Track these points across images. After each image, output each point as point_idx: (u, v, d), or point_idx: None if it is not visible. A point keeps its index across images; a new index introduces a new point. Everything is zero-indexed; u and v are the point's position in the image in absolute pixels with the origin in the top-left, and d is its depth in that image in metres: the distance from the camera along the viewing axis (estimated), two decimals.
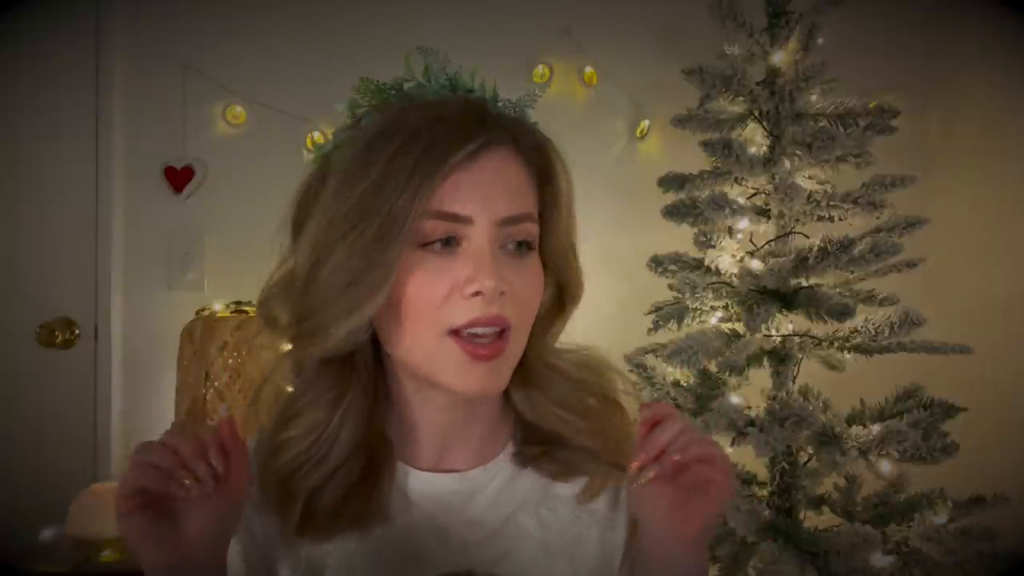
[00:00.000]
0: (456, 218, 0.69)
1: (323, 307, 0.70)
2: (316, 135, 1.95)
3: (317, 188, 0.74)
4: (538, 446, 0.79)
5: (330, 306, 0.70)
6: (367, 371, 0.76)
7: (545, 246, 0.76)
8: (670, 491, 0.67)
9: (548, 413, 0.78)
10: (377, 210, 0.67)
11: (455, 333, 0.69)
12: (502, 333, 0.70)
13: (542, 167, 0.75)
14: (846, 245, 1.47)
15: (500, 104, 0.77)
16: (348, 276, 0.68)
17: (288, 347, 0.77)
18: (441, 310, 0.69)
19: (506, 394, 0.79)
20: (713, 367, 1.60)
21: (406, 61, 0.76)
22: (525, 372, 0.78)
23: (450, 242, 0.70)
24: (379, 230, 0.67)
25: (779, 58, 1.61)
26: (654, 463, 0.66)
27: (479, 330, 0.69)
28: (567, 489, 0.79)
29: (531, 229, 0.73)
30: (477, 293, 0.68)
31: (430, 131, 0.69)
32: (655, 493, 0.67)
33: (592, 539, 0.79)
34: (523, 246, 0.72)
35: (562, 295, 0.79)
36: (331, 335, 0.70)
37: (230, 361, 1.76)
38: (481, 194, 0.70)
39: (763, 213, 1.62)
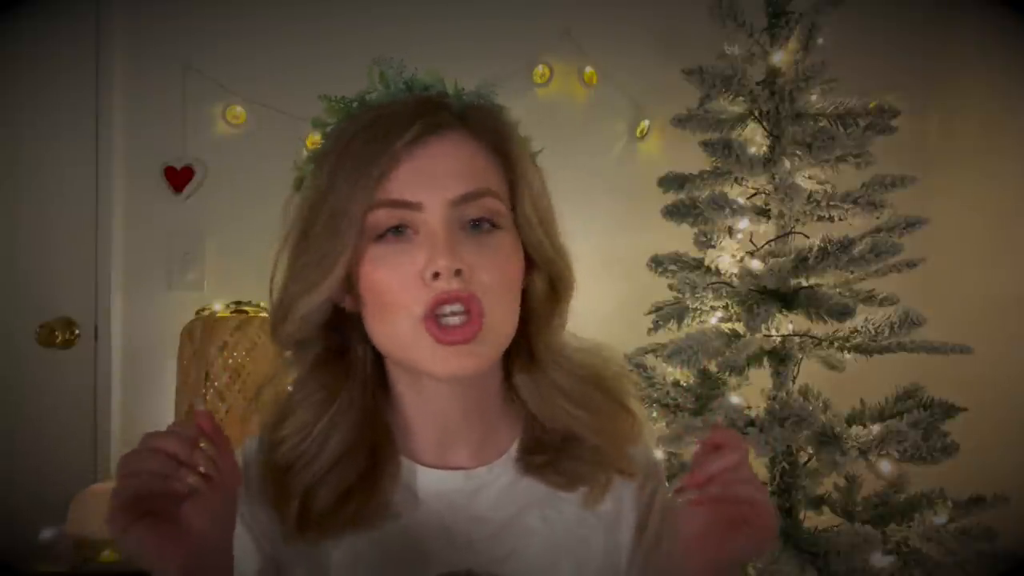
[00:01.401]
0: (403, 204, 0.70)
1: (286, 291, 0.74)
2: (316, 135, 1.94)
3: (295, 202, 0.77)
4: (543, 455, 0.79)
5: (291, 288, 0.73)
6: (364, 370, 0.77)
7: (520, 231, 0.75)
8: (707, 517, 0.67)
9: (557, 406, 0.78)
10: (327, 207, 0.71)
11: (428, 319, 0.69)
12: (471, 313, 0.69)
13: (501, 146, 0.75)
14: (846, 245, 1.47)
15: (464, 97, 0.77)
16: (306, 263, 0.72)
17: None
18: (407, 298, 0.70)
19: (511, 384, 0.79)
20: (713, 367, 1.60)
21: (369, 73, 0.77)
22: (532, 361, 0.78)
23: (402, 230, 0.71)
24: (328, 224, 0.70)
25: (779, 58, 1.61)
26: (697, 487, 0.67)
27: (447, 308, 0.69)
28: (580, 499, 0.79)
29: (490, 204, 0.72)
30: (436, 275, 0.69)
31: (374, 126, 0.71)
32: (692, 513, 0.68)
33: (598, 540, 0.79)
34: (484, 223, 0.72)
35: (554, 284, 0.78)
36: (293, 314, 0.73)
37: (230, 361, 1.76)
38: (428, 178, 0.70)
39: (763, 213, 1.62)
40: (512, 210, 0.75)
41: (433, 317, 0.69)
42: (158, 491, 0.62)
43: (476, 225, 0.71)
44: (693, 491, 0.67)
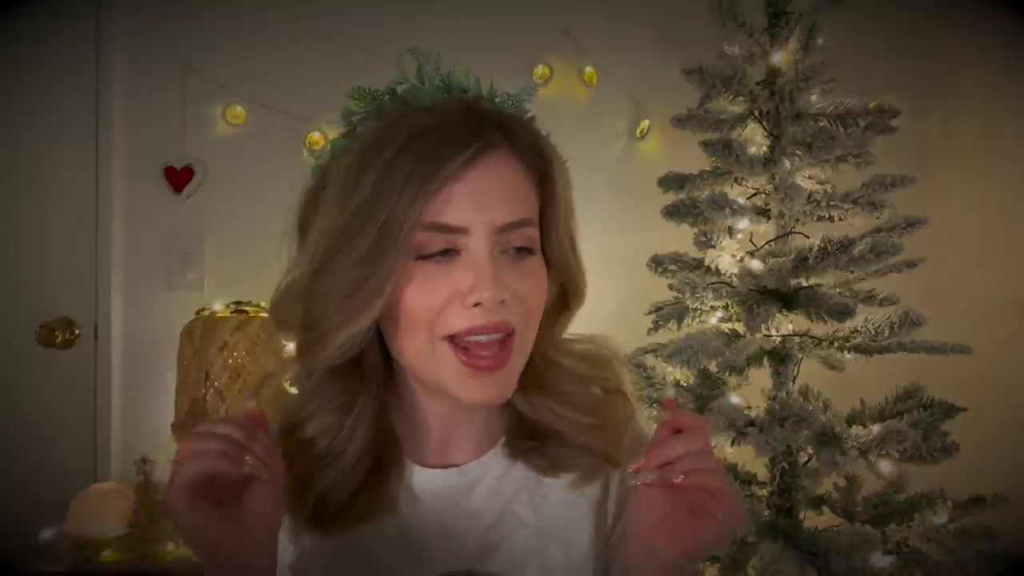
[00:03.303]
0: (452, 229, 0.69)
1: (324, 316, 0.71)
2: (316, 135, 1.95)
3: (317, 198, 0.74)
4: (530, 440, 0.79)
5: (330, 316, 0.71)
6: (376, 375, 0.77)
7: (546, 244, 0.76)
8: (666, 507, 0.66)
9: (545, 410, 0.78)
10: (372, 223, 0.68)
11: (452, 339, 0.70)
12: (506, 340, 0.70)
13: (540, 166, 0.75)
14: (846, 245, 1.47)
15: (497, 100, 0.77)
16: (346, 287, 0.69)
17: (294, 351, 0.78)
18: (440, 318, 0.70)
19: None
20: (713, 367, 1.60)
21: (398, 63, 0.76)
22: (528, 371, 0.77)
23: (448, 252, 0.70)
24: (374, 242, 0.68)
25: (779, 58, 1.61)
26: (655, 471, 0.66)
27: (482, 338, 0.69)
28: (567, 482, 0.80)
29: (530, 233, 0.72)
30: (477, 304, 0.68)
31: (422, 140, 0.68)
32: (651, 502, 0.67)
33: (586, 523, 0.80)
34: (523, 250, 0.72)
35: (566, 294, 0.79)
36: (331, 343, 0.71)
37: (230, 361, 1.76)
38: (476, 203, 0.69)
39: (763, 213, 1.62)
40: (541, 228, 0.75)
41: (463, 341, 0.69)
42: (220, 472, 0.64)
43: (516, 249, 0.72)
44: (648, 474, 0.65)
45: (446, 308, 0.69)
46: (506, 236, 0.70)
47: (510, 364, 0.71)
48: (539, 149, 0.75)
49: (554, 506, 0.79)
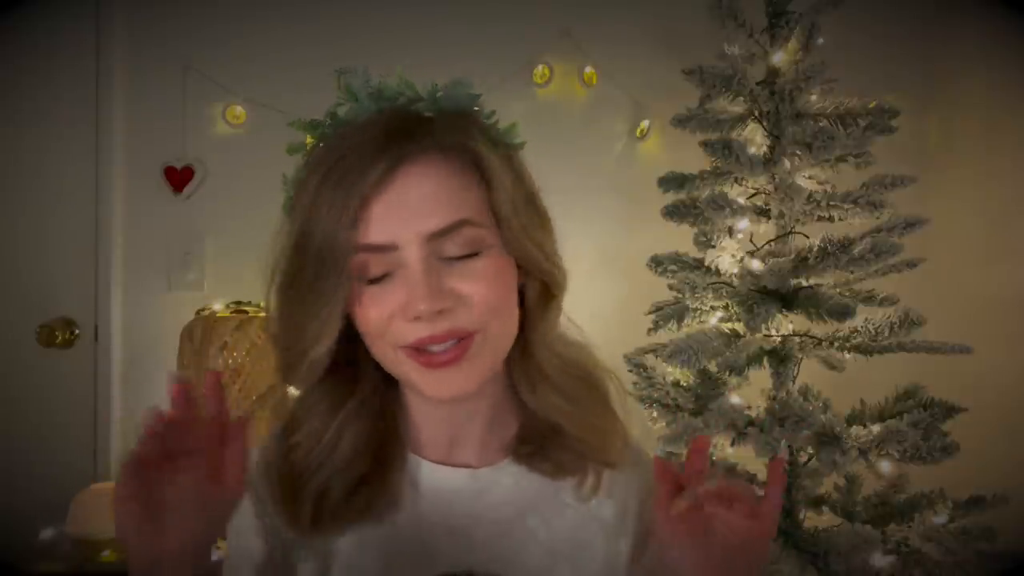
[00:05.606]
0: (380, 248, 0.68)
1: (297, 340, 0.73)
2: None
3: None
4: (533, 444, 0.79)
5: (301, 338, 0.72)
6: (372, 379, 0.77)
7: (503, 239, 0.73)
8: (701, 544, 0.65)
9: (547, 397, 0.78)
10: (312, 250, 0.69)
11: (411, 350, 0.70)
12: (462, 342, 0.70)
13: (475, 162, 0.71)
14: (846, 245, 1.47)
15: (439, 96, 0.74)
16: (305, 311, 0.71)
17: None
18: (389, 331, 0.70)
19: (513, 386, 0.79)
20: (713, 367, 1.60)
21: (336, 84, 0.76)
22: (526, 354, 0.77)
23: (389, 276, 0.70)
24: (315, 269, 0.69)
25: (779, 58, 1.61)
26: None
27: (436, 347, 0.69)
28: (575, 494, 0.80)
29: (470, 235, 0.69)
30: (417, 317, 0.68)
31: (344, 163, 0.68)
32: (686, 543, 0.65)
33: (598, 545, 0.79)
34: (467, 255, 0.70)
35: (548, 286, 0.77)
36: (306, 360, 0.73)
37: (230, 361, 1.76)
38: (399, 216, 0.68)
39: (763, 213, 1.62)
40: (497, 225, 0.72)
41: (416, 349, 0.70)
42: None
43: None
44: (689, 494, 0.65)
45: (392, 323, 0.70)
46: (440, 243, 0.69)
47: (470, 356, 0.70)
48: (469, 147, 0.71)
49: (568, 525, 0.79)
